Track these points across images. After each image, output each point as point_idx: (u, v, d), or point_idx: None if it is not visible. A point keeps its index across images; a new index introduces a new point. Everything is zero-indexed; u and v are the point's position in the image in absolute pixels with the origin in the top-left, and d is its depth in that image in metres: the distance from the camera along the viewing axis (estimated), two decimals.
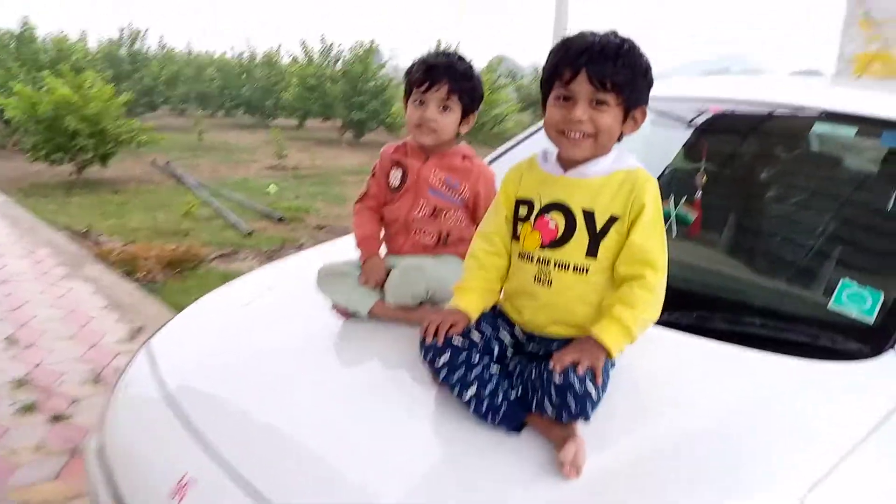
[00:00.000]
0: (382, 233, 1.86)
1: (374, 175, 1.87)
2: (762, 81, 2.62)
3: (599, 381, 1.25)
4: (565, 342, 1.36)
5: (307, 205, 8.33)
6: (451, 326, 1.39)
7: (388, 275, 1.74)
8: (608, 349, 1.28)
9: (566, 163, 1.41)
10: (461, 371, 1.35)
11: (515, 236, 1.46)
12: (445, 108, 1.71)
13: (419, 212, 1.78)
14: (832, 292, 1.62)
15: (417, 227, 1.79)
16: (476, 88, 1.75)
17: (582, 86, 1.31)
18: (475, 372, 1.34)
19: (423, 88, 1.70)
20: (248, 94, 19.84)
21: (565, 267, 1.37)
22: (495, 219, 1.51)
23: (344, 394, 1.48)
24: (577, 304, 1.38)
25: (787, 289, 1.84)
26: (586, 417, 1.23)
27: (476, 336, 1.41)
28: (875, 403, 1.36)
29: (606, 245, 1.35)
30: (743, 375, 1.45)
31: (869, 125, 2.01)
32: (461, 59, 1.75)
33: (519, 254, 1.45)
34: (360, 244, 1.82)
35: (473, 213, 1.80)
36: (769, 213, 2.16)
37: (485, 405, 1.30)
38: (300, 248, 6.09)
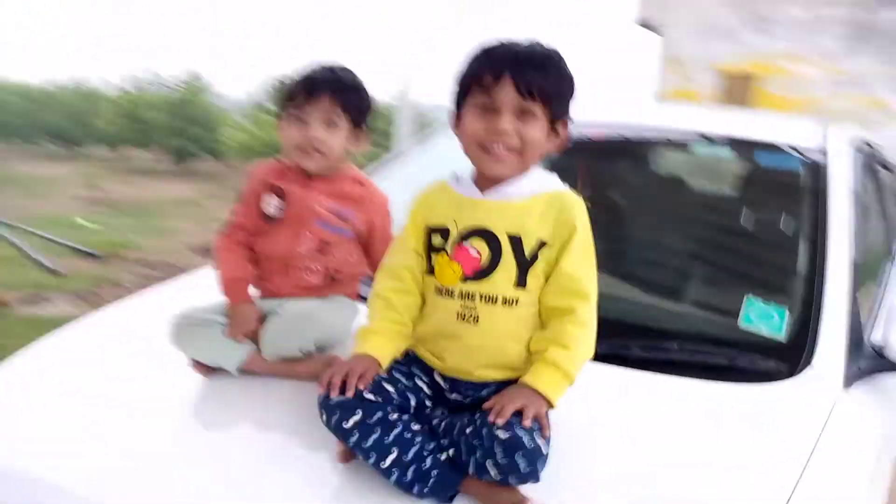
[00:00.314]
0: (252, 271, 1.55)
1: (241, 199, 1.56)
2: (633, 106, 2.63)
3: (548, 433, 1.07)
4: (497, 387, 1.18)
5: (126, 239, 7.49)
6: (359, 378, 1.14)
7: (262, 322, 1.45)
8: (548, 398, 1.10)
9: (483, 184, 1.24)
10: (377, 433, 1.10)
11: (430, 270, 1.26)
12: (330, 123, 1.46)
13: (303, 246, 1.49)
14: (736, 311, 1.58)
15: (300, 265, 1.50)
16: (364, 99, 1.51)
17: (507, 94, 1.15)
18: (394, 433, 1.11)
19: (300, 103, 1.45)
20: (55, 121, 17.86)
21: (493, 300, 1.18)
22: (403, 251, 1.29)
23: (223, 473, 1.16)
24: (507, 342, 1.19)
25: (694, 311, 1.79)
26: (536, 478, 1.04)
27: (389, 388, 1.17)
28: (797, 429, 1.31)
29: (535, 273, 1.19)
30: (667, 403, 1.37)
31: (742, 146, 2.05)
32: (344, 69, 1.51)
33: (436, 289, 1.24)
34: (225, 288, 1.49)
35: (367, 247, 1.56)
36: (660, 237, 2.13)
37: (410, 473, 1.08)
38: (120, 288, 5.41)
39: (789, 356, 1.46)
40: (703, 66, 14.60)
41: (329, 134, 1.46)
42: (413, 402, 1.19)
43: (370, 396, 1.13)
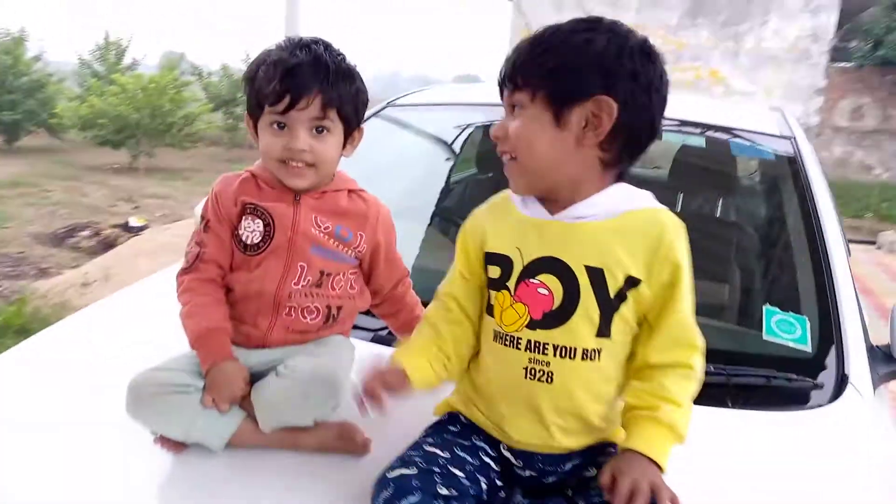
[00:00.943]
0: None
1: (207, 227, 1.20)
2: None
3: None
4: (583, 458, 0.99)
5: None
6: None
7: (249, 383, 1.14)
8: (660, 464, 0.90)
9: (552, 203, 1.00)
10: None
11: (488, 309, 1.02)
12: (321, 129, 1.16)
13: (299, 281, 1.18)
14: (750, 321, 1.48)
15: (295, 304, 1.18)
16: (360, 92, 1.21)
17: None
18: None
19: (283, 107, 1.12)
20: None
21: (570, 353, 0.95)
22: (450, 278, 1.08)
23: None
24: (588, 402, 0.98)
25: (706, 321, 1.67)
26: None
27: (458, 473, 0.93)
28: (867, 451, 1.22)
29: (622, 318, 0.96)
30: (732, 438, 1.21)
31: (718, 135, 1.96)
32: (330, 49, 1.18)
33: (495, 334, 1.00)
34: (199, 342, 1.14)
35: (370, 272, 1.27)
36: None
37: None
38: None
39: (820, 371, 1.37)
40: None
41: (320, 142, 1.16)
42: (484, 486, 0.96)
43: (444, 491, 0.89)
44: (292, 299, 1.17)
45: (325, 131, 1.16)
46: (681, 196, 2.41)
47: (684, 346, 0.96)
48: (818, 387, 1.33)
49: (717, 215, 2.41)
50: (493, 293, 1.01)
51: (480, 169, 2.47)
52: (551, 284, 0.96)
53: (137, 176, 10.79)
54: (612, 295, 0.95)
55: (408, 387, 0.99)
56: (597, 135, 0.94)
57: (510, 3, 15.46)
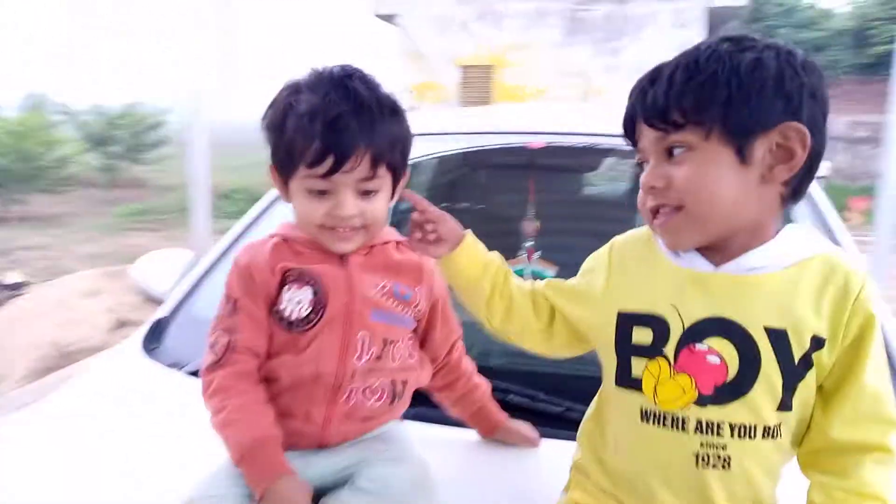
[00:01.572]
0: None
1: (236, 308, 0.96)
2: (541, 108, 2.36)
3: None
4: None
5: None
6: None
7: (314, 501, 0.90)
8: None
9: (716, 253, 0.84)
10: None
11: (627, 381, 0.84)
12: (368, 192, 0.96)
13: (362, 356, 0.96)
14: None
15: (357, 386, 0.96)
16: (408, 136, 1.00)
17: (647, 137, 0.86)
18: None
19: (325, 170, 0.91)
20: None
21: (750, 433, 0.80)
22: (565, 290, 0.99)
23: None
24: (765, 485, 0.83)
25: None
26: None
27: None
28: None
29: (808, 385, 0.81)
30: None
31: None
32: (367, 81, 0.96)
33: (644, 413, 0.83)
34: (245, 457, 0.89)
35: (426, 337, 1.07)
36: None
37: None
38: None
39: None
40: (443, 59, 15.13)
41: (370, 203, 0.96)
42: None
43: None
44: (354, 380, 0.96)
45: (374, 192, 0.96)
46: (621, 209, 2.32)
47: (877, 421, 0.81)
48: None
49: None
50: (637, 362, 0.84)
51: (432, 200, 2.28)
52: (724, 351, 0.80)
53: (9, 226, 9.83)
54: (796, 361, 0.80)
55: (454, 241, 0.96)
56: (790, 168, 0.80)
57: (396, 28, 15.48)
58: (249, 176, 14.15)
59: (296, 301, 0.94)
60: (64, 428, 1.20)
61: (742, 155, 0.79)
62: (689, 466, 0.81)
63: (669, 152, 0.82)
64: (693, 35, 14.01)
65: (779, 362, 0.79)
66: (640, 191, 0.85)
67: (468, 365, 1.13)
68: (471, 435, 1.15)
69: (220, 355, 0.94)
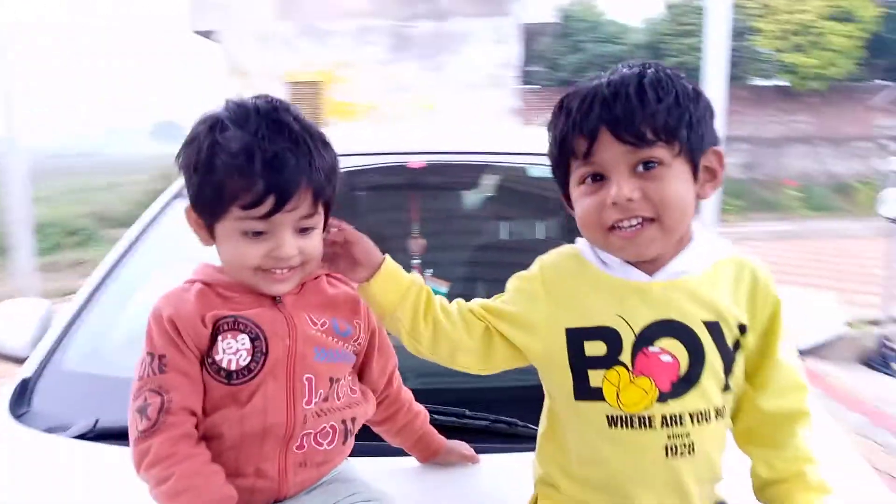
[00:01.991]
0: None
1: (164, 366, 0.87)
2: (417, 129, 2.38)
3: None
4: None
5: None
6: None
7: None
8: None
9: (646, 263, 0.91)
10: None
11: (587, 393, 0.88)
12: (305, 229, 0.92)
13: (311, 400, 0.91)
14: None
15: (309, 431, 0.91)
16: (336, 160, 0.97)
17: (610, 150, 0.85)
18: None
19: (264, 211, 0.86)
20: None
21: (706, 417, 0.88)
22: (502, 312, 0.97)
23: None
24: (719, 461, 0.92)
25: None
26: None
27: None
28: None
29: (739, 366, 0.91)
30: None
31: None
32: (290, 110, 0.92)
33: (611, 420, 0.87)
34: None
35: (363, 369, 1.04)
36: (510, 257, 1.93)
37: None
38: None
39: None
40: (268, 76, 14.78)
41: (309, 240, 0.92)
42: None
43: None
44: (306, 425, 0.91)
45: (312, 228, 0.93)
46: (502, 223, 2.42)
47: (795, 389, 0.92)
48: None
49: (549, 236, 2.46)
50: (594, 374, 0.87)
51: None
52: (674, 349, 0.87)
53: None
54: (730, 346, 0.89)
55: (371, 266, 0.93)
56: (714, 185, 0.90)
57: (217, 45, 14.88)
58: (61, 207, 12.92)
59: (233, 350, 0.88)
60: None
61: (695, 173, 0.88)
62: (661, 459, 0.87)
63: (636, 167, 0.86)
64: (511, 50, 14.82)
65: (718, 350, 0.88)
66: (595, 205, 0.87)
67: (407, 395, 1.13)
68: (412, 462, 1.13)
69: (154, 419, 0.85)
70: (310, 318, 0.94)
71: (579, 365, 0.88)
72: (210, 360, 0.89)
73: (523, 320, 0.93)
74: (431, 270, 1.73)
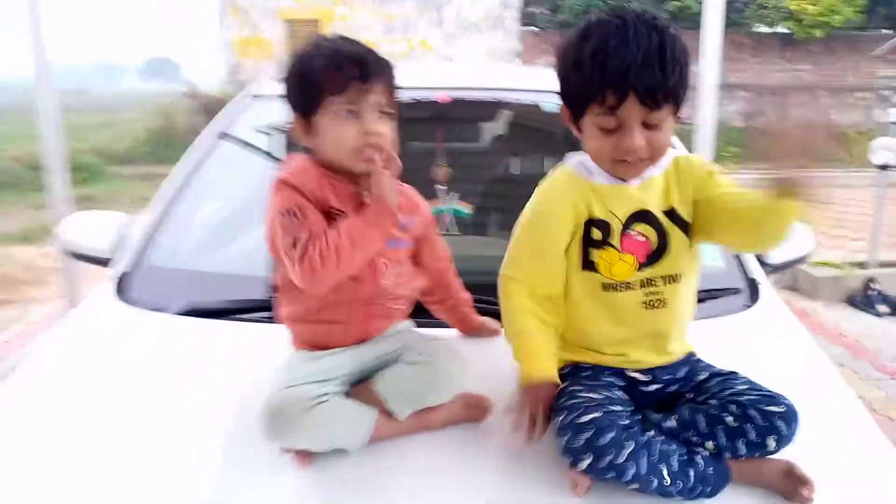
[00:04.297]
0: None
1: (304, 213, 1.06)
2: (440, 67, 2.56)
3: None
4: (689, 364, 1.16)
5: None
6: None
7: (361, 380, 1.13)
8: None
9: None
10: (644, 455, 0.97)
11: (587, 265, 1.11)
12: (383, 114, 1.12)
13: (387, 275, 1.15)
14: None
15: (388, 298, 1.17)
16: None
17: (633, 111, 1.03)
18: (657, 447, 1.00)
19: (353, 93, 1.08)
20: None
21: (675, 279, 1.12)
22: (549, 257, 1.12)
23: None
24: (688, 309, 1.17)
25: None
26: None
27: (617, 409, 1.04)
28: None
29: (693, 234, 1.13)
30: None
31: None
32: (355, 40, 1.16)
33: (605, 286, 1.11)
34: (365, 223, 1.08)
35: (420, 252, 1.27)
36: (524, 185, 2.16)
37: (691, 479, 0.98)
38: None
39: (736, 280, 1.67)
40: (265, 13, 14.64)
41: (385, 126, 1.13)
42: (628, 411, 1.07)
43: (624, 422, 1.00)
44: (385, 291, 1.16)
45: (387, 115, 1.13)
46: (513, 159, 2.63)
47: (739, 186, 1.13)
48: (738, 291, 1.63)
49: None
50: (593, 252, 1.10)
51: None
52: (646, 231, 1.10)
53: None
54: (685, 218, 1.12)
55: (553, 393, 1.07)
56: (677, 119, 1.09)
57: None
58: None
59: None
60: (87, 380, 1.27)
61: (677, 117, 1.09)
62: (641, 312, 1.11)
63: (648, 124, 1.04)
64: None
65: (677, 226, 1.11)
66: (609, 146, 1.06)
67: (456, 280, 1.37)
68: (453, 332, 1.40)
69: (305, 247, 1.02)
70: None
71: (585, 245, 1.11)
72: None
73: (565, 235, 1.12)
74: (458, 194, 1.95)
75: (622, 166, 1.08)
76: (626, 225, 1.10)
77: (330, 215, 1.10)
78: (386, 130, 1.13)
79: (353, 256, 1.04)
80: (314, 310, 1.13)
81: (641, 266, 1.11)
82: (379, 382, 1.11)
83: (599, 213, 1.11)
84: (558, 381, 1.08)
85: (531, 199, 1.18)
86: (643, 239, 1.10)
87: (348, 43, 1.13)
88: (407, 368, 1.13)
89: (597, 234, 1.11)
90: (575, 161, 1.16)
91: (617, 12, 1.05)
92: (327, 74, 1.08)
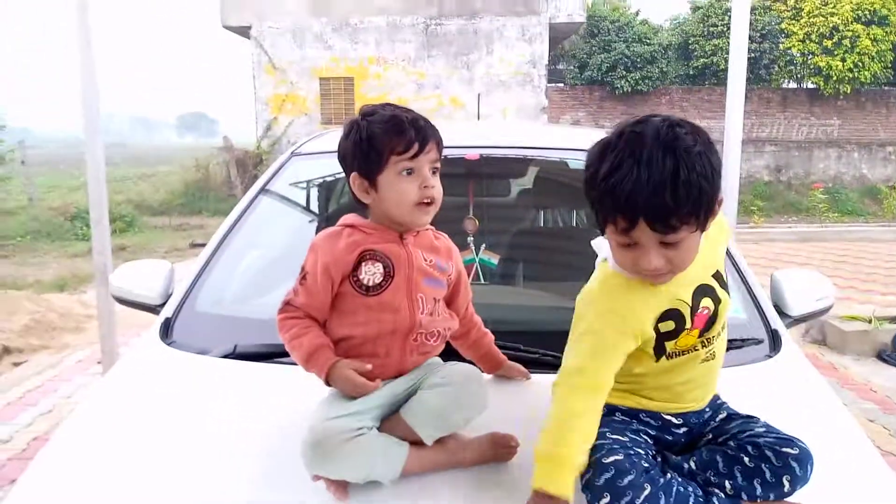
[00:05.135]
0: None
1: (304, 280, 1.23)
2: (471, 126, 2.70)
3: None
4: (714, 406, 1.21)
5: None
6: None
7: (393, 412, 1.21)
8: None
9: None
10: (662, 499, 1.01)
11: (661, 352, 1.13)
12: (436, 171, 1.26)
13: (423, 311, 1.25)
14: None
15: (423, 331, 1.25)
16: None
17: (646, 235, 1.02)
18: (675, 490, 1.04)
19: (413, 153, 1.22)
20: None
21: (722, 331, 1.17)
22: (610, 362, 1.09)
23: None
24: (723, 357, 1.22)
25: None
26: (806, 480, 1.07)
27: (641, 452, 1.08)
28: None
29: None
30: None
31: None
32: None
33: (668, 354, 1.13)
34: (311, 358, 1.20)
35: (452, 298, 1.36)
36: (548, 238, 2.24)
37: None
38: None
39: (758, 331, 1.71)
40: (301, 71, 15.17)
41: (437, 182, 1.26)
42: (651, 454, 1.11)
43: (646, 464, 1.04)
44: (422, 327, 1.25)
45: (437, 172, 1.26)
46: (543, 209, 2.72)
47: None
48: (761, 342, 1.67)
49: (582, 222, 2.76)
50: (668, 343, 1.12)
51: None
52: (707, 304, 1.13)
53: None
54: (725, 278, 1.18)
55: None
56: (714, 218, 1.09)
57: (247, 41, 15.27)
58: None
59: (371, 273, 1.22)
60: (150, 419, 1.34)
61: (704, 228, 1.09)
62: (697, 366, 1.15)
63: (663, 241, 1.02)
64: (540, 50, 15.06)
65: (723, 287, 1.16)
66: (629, 259, 1.05)
67: (478, 318, 1.45)
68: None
69: (282, 306, 1.24)
70: (423, 255, 1.28)
71: (659, 346, 1.12)
72: (354, 279, 1.21)
73: (624, 344, 1.10)
74: (484, 245, 2.04)
75: (648, 278, 1.08)
76: (694, 304, 1.12)
77: (365, 257, 1.22)
78: (438, 185, 1.25)
79: (287, 350, 1.23)
80: (356, 345, 1.22)
81: (702, 332, 1.14)
82: (406, 411, 1.18)
83: (671, 303, 1.11)
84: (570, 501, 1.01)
85: (583, 309, 1.13)
86: (707, 312, 1.13)
87: (403, 110, 1.25)
88: (429, 393, 1.19)
89: (669, 325, 1.11)
90: (612, 263, 1.14)
91: (638, 128, 1.02)
92: (391, 137, 1.21)
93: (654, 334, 1.10)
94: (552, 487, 0.99)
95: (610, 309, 1.09)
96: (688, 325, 1.11)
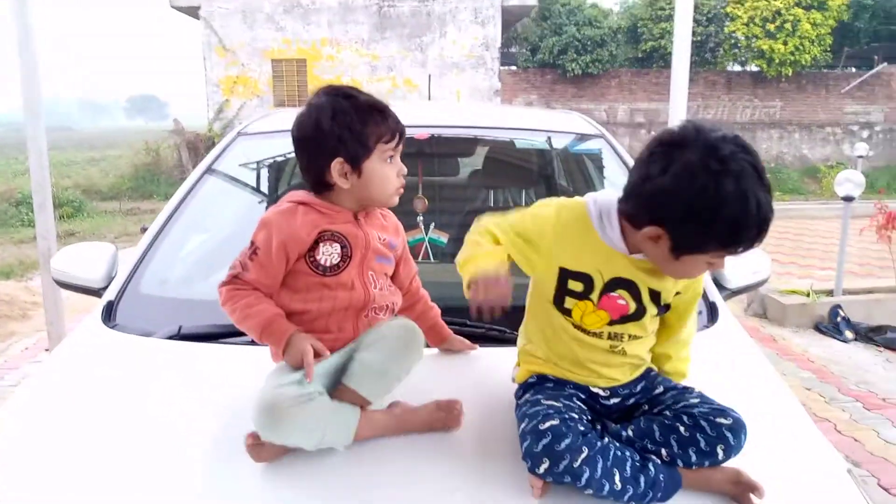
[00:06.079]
0: None
1: (254, 255, 1.22)
2: (421, 106, 2.70)
3: None
4: (646, 379, 1.25)
5: None
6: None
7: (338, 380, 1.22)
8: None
9: (634, 245, 1.17)
10: (600, 460, 1.04)
11: (561, 308, 1.19)
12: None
13: (375, 287, 1.29)
14: None
15: (375, 306, 1.29)
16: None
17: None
18: (611, 454, 1.07)
19: (397, 141, 1.27)
20: None
21: (636, 338, 1.21)
22: (525, 225, 1.22)
23: None
24: (643, 356, 1.25)
25: None
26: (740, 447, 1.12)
27: (576, 416, 1.11)
28: None
29: (667, 314, 1.25)
30: None
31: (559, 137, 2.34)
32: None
33: (574, 325, 1.20)
34: (265, 332, 1.20)
35: (396, 272, 1.40)
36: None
37: (642, 485, 1.06)
38: None
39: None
40: (252, 52, 14.87)
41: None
42: (587, 420, 1.15)
43: (581, 428, 1.07)
44: (375, 302, 1.28)
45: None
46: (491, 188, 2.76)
47: (692, 334, 1.31)
48: (699, 313, 1.73)
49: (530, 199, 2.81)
50: (569, 299, 1.18)
51: None
52: (625, 297, 1.17)
53: None
54: (663, 304, 1.21)
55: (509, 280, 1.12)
56: None
57: (197, 22, 14.88)
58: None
59: (328, 254, 1.24)
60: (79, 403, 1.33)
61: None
62: (603, 353, 1.20)
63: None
64: (493, 33, 15.06)
65: (655, 304, 1.19)
66: (691, 274, 1.16)
67: (425, 292, 1.49)
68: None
69: (228, 279, 1.23)
70: (378, 234, 1.31)
71: (560, 291, 1.19)
72: (311, 258, 1.23)
73: (535, 241, 1.20)
74: (434, 224, 2.06)
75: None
76: (609, 286, 1.17)
77: (322, 238, 1.23)
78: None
79: (235, 321, 1.23)
80: (308, 320, 1.24)
81: (612, 323, 1.18)
82: (347, 377, 1.20)
83: (586, 268, 1.17)
84: (506, 269, 1.12)
85: (544, 201, 1.25)
86: (623, 303, 1.17)
87: (368, 95, 1.28)
88: (364, 352, 1.23)
89: (577, 285, 1.17)
90: (595, 208, 1.19)
91: (747, 156, 1.04)
92: (379, 125, 1.24)
93: (557, 274, 1.17)
94: (484, 264, 1.12)
95: (558, 223, 1.19)
96: (593, 297, 1.17)
